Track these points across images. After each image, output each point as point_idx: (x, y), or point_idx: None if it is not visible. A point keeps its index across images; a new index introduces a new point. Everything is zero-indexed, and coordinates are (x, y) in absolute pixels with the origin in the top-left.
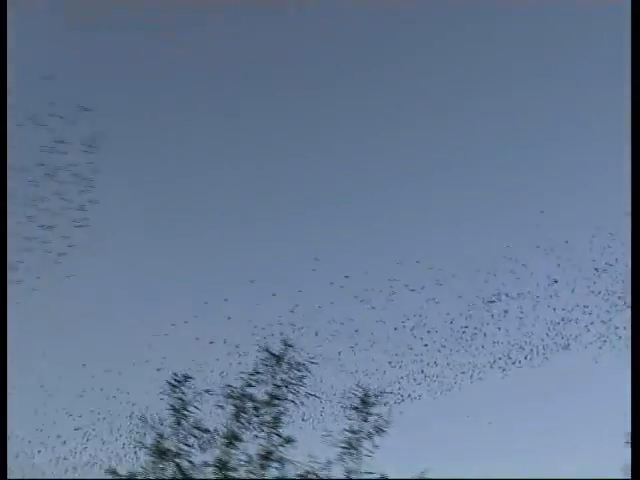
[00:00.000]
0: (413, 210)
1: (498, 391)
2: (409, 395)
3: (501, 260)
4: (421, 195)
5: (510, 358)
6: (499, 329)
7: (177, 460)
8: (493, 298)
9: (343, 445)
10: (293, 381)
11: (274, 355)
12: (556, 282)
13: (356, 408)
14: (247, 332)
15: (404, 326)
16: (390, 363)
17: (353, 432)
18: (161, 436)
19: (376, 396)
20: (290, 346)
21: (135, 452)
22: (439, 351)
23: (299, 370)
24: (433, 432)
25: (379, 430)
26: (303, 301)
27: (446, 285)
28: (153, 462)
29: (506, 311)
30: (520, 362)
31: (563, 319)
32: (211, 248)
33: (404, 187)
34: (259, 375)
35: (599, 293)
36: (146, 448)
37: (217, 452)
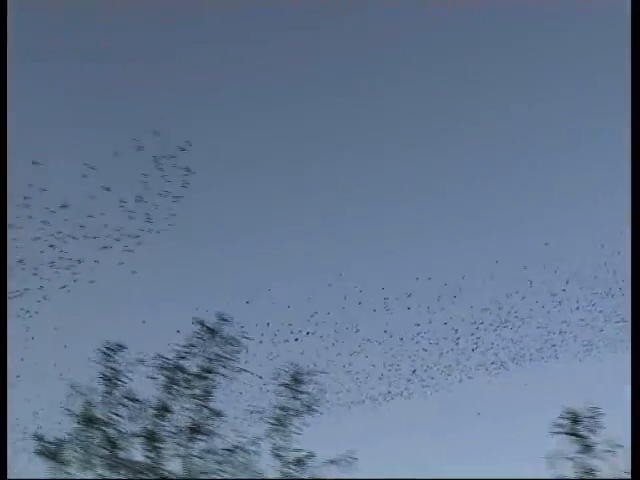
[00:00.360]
0: (425, 225)
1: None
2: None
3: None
4: (433, 211)
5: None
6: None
7: (105, 429)
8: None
9: (272, 422)
10: (226, 355)
11: (208, 328)
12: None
13: (287, 385)
14: None
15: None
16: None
17: (283, 409)
18: (90, 404)
19: (307, 375)
20: (225, 320)
21: (63, 418)
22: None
23: (233, 345)
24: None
25: (309, 408)
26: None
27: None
28: (81, 429)
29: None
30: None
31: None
32: None
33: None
34: (193, 348)
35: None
36: (75, 415)
37: (146, 423)
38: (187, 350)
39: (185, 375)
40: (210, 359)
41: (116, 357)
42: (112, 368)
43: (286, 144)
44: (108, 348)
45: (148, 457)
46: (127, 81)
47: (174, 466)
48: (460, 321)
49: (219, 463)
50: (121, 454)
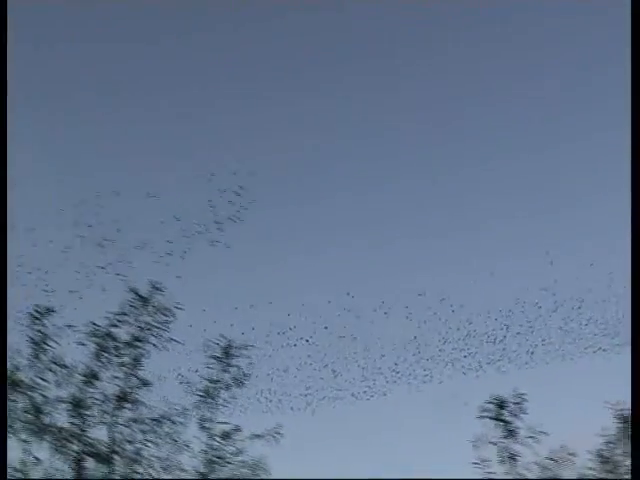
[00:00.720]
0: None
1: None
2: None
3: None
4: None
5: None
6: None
7: (30, 393)
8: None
9: (201, 393)
10: (157, 325)
11: (140, 297)
12: None
13: (217, 358)
14: None
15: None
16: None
17: (212, 381)
18: (17, 368)
19: (238, 348)
20: (158, 289)
21: None
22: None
23: (165, 315)
24: None
25: (238, 382)
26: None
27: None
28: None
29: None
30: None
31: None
32: None
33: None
34: (124, 316)
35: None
36: None
37: (73, 389)
38: (119, 318)
39: (115, 343)
40: (142, 328)
41: (45, 321)
42: (40, 332)
43: None
44: (37, 311)
45: (73, 424)
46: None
47: (99, 434)
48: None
49: (144, 433)
50: (45, 420)
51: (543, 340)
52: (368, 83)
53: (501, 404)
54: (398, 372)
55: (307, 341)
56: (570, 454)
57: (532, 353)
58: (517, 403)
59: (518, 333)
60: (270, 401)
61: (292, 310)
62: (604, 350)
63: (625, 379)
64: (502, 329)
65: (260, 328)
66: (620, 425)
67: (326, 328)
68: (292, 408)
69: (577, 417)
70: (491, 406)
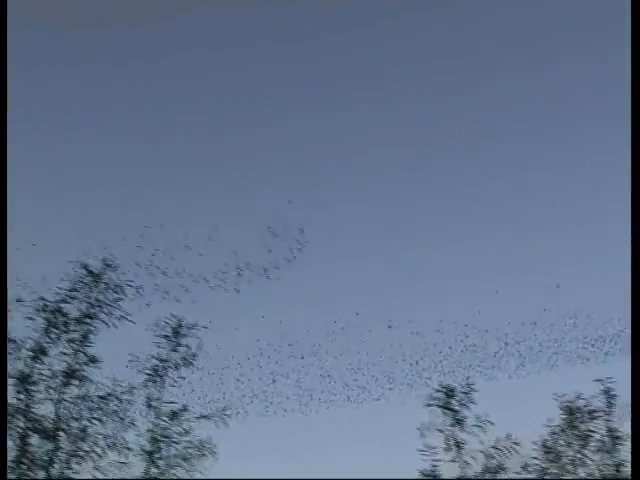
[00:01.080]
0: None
1: None
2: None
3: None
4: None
5: None
6: None
7: None
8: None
9: (149, 372)
10: (108, 302)
11: (92, 273)
12: None
13: (167, 337)
14: None
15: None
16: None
17: (161, 360)
18: None
19: (188, 328)
20: (110, 266)
21: None
22: None
23: (116, 292)
24: None
25: (186, 362)
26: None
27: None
28: None
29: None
30: None
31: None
32: None
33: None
34: (75, 292)
35: None
36: None
37: (20, 365)
38: (70, 294)
39: (65, 319)
40: (92, 304)
41: None
42: None
43: None
44: None
45: (19, 399)
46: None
47: (45, 410)
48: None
49: (91, 410)
50: None
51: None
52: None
53: (450, 393)
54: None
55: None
56: (515, 443)
57: (523, 365)
58: (466, 393)
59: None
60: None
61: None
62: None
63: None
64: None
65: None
66: (565, 416)
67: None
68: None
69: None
70: (440, 395)
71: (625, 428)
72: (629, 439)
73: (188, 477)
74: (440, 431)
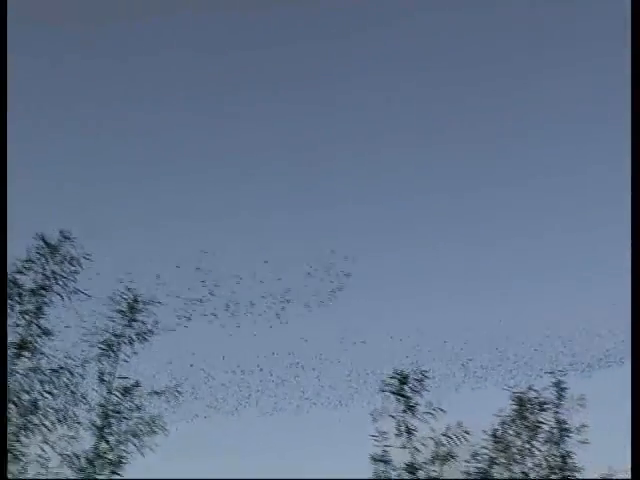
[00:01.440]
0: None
1: None
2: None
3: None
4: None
5: None
6: None
7: None
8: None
9: (102, 346)
10: (64, 274)
11: (48, 244)
12: None
13: (122, 312)
14: None
15: None
16: None
17: (115, 335)
18: None
19: (144, 303)
20: (68, 239)
21: None
22: None
23: (72, 265)
24: None
25: (141, 337)
26: None
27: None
28: None
29: None
30: None
31: None
32: None
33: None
34: (31, 263)
35: None
36: None
37: None
38: (25, 265)
39: (19, 290)
40: (47, 277)
41: None
42: None
43: None
44: None
45: None
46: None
47: None
48: None
49: (42, 383)
50: None
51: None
52: None
53: (403, 379)
54: None
55: None
56: (465, 432)
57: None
58: (419, 380)
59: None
60: None
61: None
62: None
63: None
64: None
65: None
66: (515, 407)
67: None
68: None
69: None
70: (394, 381)
71: (573, 421)
72: (577, 431)
73: (138, 453)
74: (392, 417)
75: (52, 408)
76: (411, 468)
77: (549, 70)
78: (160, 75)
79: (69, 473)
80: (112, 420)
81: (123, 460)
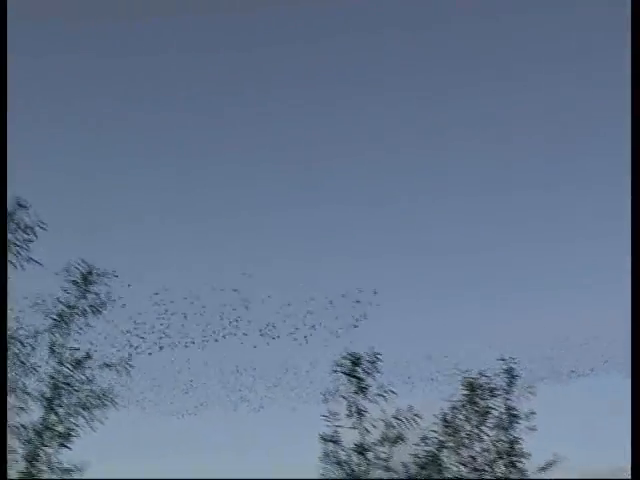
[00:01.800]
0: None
1: None
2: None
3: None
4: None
5: None
6: None
7: None
8: None
9: (54, 317)
10: (18, 243)
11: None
12: None
13: (76, 283)
14: None
15: None
16: None
17: (68, 306)
18: None
19: (99, 275)
20: (23, 207)
21: None
22: None
23: (27, 233)
24: None
25: (95, 309)
26: None
27: None
28: None
29: None
30: None
31: None
32: None
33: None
34: None
35: None
36: None
37: None
38: None
39: None
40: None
41: None
42: None
43: None
44: None
45: None
46: None
47: None
48: None
49: None
50: None
51: None
52: None
53: (356, 361)
54: None
55: None
56: (415, 415)
57: None
58: (372, 362)
59: None
60: None
61: None
62: None
63: None
64: None
65: None
66: (465, 392)
67: None
68: None
69: None
70: (346, 362)
71: (522, 407)
72: (525, 417)
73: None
74: (344, 398)
75: None
76: (360, 448)
77: (550, 76)
78: (160, 75)
79: (16, 444)
80: (62, 392)
81: (72, 433)
